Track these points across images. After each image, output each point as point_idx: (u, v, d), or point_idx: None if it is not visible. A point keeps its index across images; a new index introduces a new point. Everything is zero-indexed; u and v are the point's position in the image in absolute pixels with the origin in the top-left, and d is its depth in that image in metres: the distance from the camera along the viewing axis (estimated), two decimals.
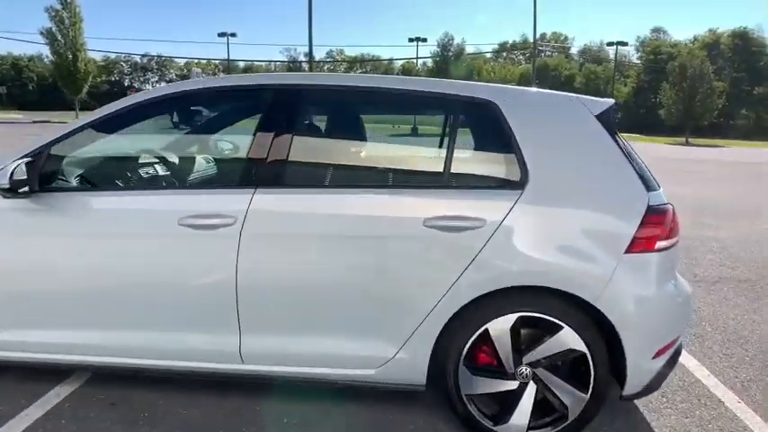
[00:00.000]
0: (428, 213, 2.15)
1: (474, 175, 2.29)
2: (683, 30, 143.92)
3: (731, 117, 59.91)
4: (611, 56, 59.25)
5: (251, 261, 2.22)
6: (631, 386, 2.20)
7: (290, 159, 2.30)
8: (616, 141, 2.25)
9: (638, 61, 67.95)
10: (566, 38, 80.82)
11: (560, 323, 2.14)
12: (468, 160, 2.34)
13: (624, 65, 66.90)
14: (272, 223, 2.23)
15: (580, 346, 2.15)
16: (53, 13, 33.58)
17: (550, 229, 2.14)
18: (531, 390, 2.22)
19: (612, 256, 2.11)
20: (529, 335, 2.23)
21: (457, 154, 2.27)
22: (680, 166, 16.31)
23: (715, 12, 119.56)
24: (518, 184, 2.18)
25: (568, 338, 2.15)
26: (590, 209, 2.16)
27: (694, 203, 8.83)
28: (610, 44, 57.11)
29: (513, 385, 2.22)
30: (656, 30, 72.75)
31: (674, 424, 2.50)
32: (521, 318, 2.16)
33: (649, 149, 20.85)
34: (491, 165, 2.32)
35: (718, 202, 9.49)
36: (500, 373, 2.23)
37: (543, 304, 2.15)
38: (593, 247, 2.12)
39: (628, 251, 2.12)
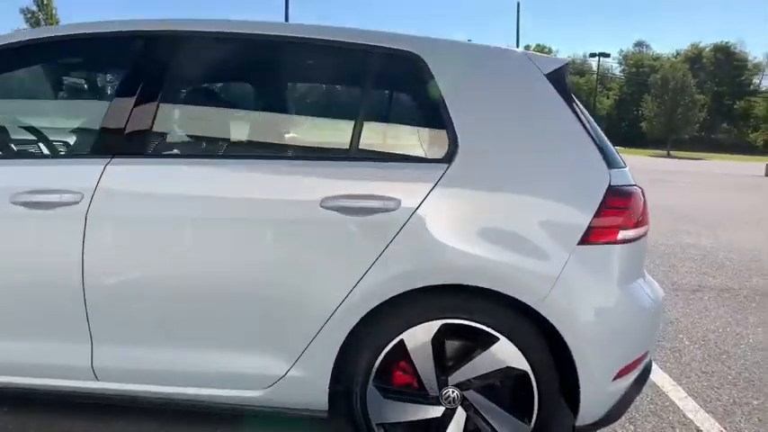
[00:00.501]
0: (327, 192, 1.67)
1: (388, 145, 1.81)
2: (666, 44, 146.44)
3: (712, 131, 60.81)
4: (594, 68, 59.66)
5: (100, 251, 1.72)
6: (587, 415, 1.73)
7: (156, 122, 1.80)
8: (571, 107, 1.80)
9: (621, 74, 68.75)
10: (549, 50, 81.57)
11: (495, 333, 1.67)
12: (383, 127, 1.87)
13: (607, 77, 67.54)
14: (128, 203, 1.73)
15: (521, 363, 1.68)
16: (29, 15, 32.78)
17: (482, 215, 1.67)
18: (459, 418, 1.74)
19: (562, 249, 1.65)
20: (456, 348, 1.75)
21: (368, 119, 1.79)
22: (660, 177, 16.07)
23: (697, 26, 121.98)
24: (443, 158, 1.71)
25: (506, 353, 1.68)
26: (534, 189, 1.70)
27: (674, 211, 8.50)
28: (593, 55, 57.50)
29: (436, 412, 1.74)
30: (639, 43, 73.88)
31: None
32: (445, 326, 1.69)
33: (631, 161, 20.71)
34: (411, 133, 1.86)
35: (699, 210, 9.18)
36: (420, 396, 1.74)
37: (473, 309, 1.68)
38: (537, 237, 1.66)
39: (582, 242, 1.65)
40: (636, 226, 1.74)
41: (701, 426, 2.28)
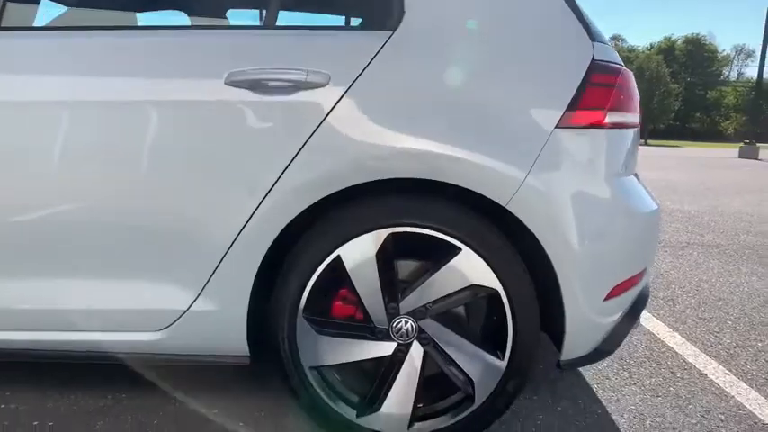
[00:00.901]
0: (234, 64, 1.29)
1: (313, 5, 1.43)
2: (641, 38, 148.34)
3: (686, 121, 61.74)
4: None
5: None
6: (573, 346, 1.39)
7: None
8: None
9: None
10: None
11: (456, 243, 1.31)
12: None
13: None
14: None
15: (489, 279, 1.32)
16: None
17: (436, 90, 1.31)
18: (414, 355, 1.38)
19: (536, 133, 1.29)
20: (408, 266, 1.39)
21: None
22: (640, 161, 15.99)
23: (670, 22, 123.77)
24: (387, 21, 1.35)
25: (470, 268, 1.32)
26: (500, 61, 1.34)
27: (656, 184, 8.30)
28: None
29: (386, 349, 1.38)
30: (615, 37, 74.46)
31: (640, 406, 1.70)
32: (393, 236, 1.32)
33: None
34: None
35: (680, 183, 9.02)
36: (364, 330, 1.38)
37: (427, 213, 1.31)
38: (505, 120, 1.30)
39: (561, 125, 1.30)
40: (625, 109, 1.40)
41: (704, 369, 1.96)
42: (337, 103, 1.28)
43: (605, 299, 1.37)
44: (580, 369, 1.92)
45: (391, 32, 1.32)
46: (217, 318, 1.36)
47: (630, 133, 1.45)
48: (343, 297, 1.42)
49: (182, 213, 1.31)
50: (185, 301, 1.34)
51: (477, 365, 1.37)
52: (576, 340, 1.38)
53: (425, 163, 1.27)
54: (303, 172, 1.28)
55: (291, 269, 1.34)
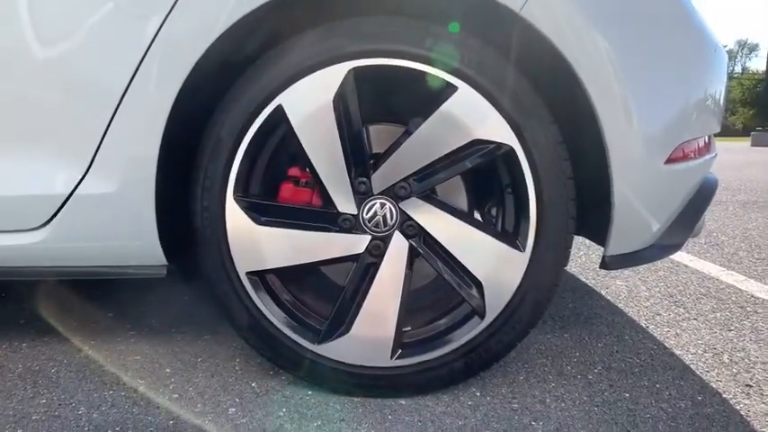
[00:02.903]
0: None
1: None
2: None
3: None
4: None
5: None
6: (624, 233, 0.96)
7: None
8: None
9: None
10: None
11: (448, 77, 0.90)
12: None
13: None
14: None
15: (500, 131, 0.90)
16: None
17: None
18: (396, 253, 0.96)
19: None
20: (382, 119, 0.98)
21: None
22: None
23: None
24: None
25: (471, 114, 0.90)
26: None
27: None
28: None
29: (355, 245, 0.96)
30: None
31: (709, 340, 1.27)
32: (356, 73, 0.91)
33: None
34: None
35: None
36: (323, 217, 0.96)
37: (406, 34, 0.90)
38: None
39: None
40: None
41: None
42: None
43: (667, 161, 0.95)
44: (621, 306, 1.50)
45: None
46: (113, 204, 0.94)
47: None
48: (294, 178, 1.01)
49: (49, 62, 0.90)
50: (68, 183, 0.93)
51: (488, 262, 0.95)
52: (628, 224, 0.96)
53: None
54: None
55: (212, 129, 0.93)
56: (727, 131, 52.67)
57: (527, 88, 0.90)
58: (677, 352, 1.20)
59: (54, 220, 0.96)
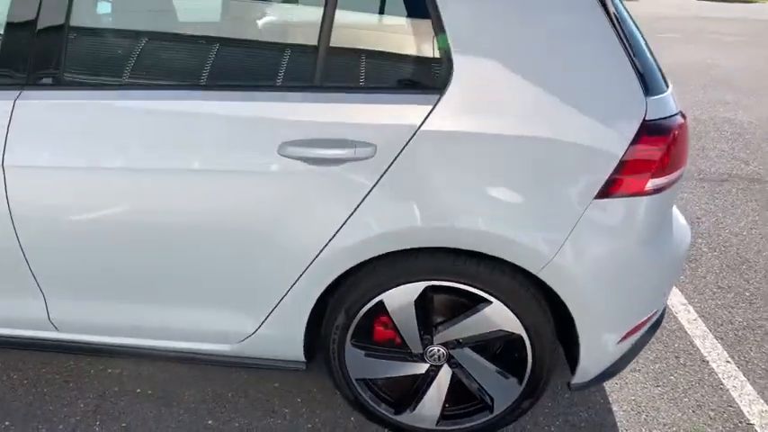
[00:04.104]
0: (287, 134, 1.34)
1: (358, 65, 1.41)
2: None
3: None
4: None
5: (26, 201, 1.47)
6: (585, 373, 1.59)
7: (71, 37, 1.42)
8: (604, 6, 1.34)
9: None
10: None
11: (488, 297, 1.46)
12: (353, 38, 1.44)
13: None
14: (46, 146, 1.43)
15: (515, 327, 1.49)
16: None
17: (480, 162, 1.34)
18: (445, 374, 1.62)
19: (575, 204, 1.34)
20: (444, 308, 1.56)
21: (336, 28, 1.37)
22: (701, 26, 14.04)
23: None
24: (435, 83, 1.34)
25: (499, 317, 1.48)
26: (548, 127, 1.33)
27: (712, 74, 7.67)
28: None
29: (420, 369, 1.62)
30: None
31: (639, 397, 1.95)
32: (431, 287, 1.48)
33: (672, 5, 18.35)
34: (389, 48, 1.44)
35: (742, 72, 8.21)
36: (403, 353, 1.60)
37: (463, 272, 1.44)
38: (546, 190, 1.34)
39: (601, 195, 1.34)
40: (670, 170, 1.41)
41: (708, 355, 2.16)
42: (384, 174, 1.34)
43: (620, 341, 1.54)
44: None
45: (439, 96, 1.32)
46: (279, 339, 1.60)
47: (674, 189, 1.47)
48: (385, 323, 1.62)
49: (239, 260, 1.47)
50: (254, 326, 1.58)
51: (498, 386, 1.61)
52: (588, 369, 1.58)
53: (468, 236, 1.36)
54: (352, 234, 1.39)
55: (341, 308, 1.53)
56: None
57: (537, 305, 1.46)
58: (613, 408, 1.89)
59: (244, 341, 1.62)
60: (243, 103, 1.37)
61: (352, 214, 1.37)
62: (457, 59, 1.31)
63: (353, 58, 1.40)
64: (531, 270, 1.38)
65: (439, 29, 1.31)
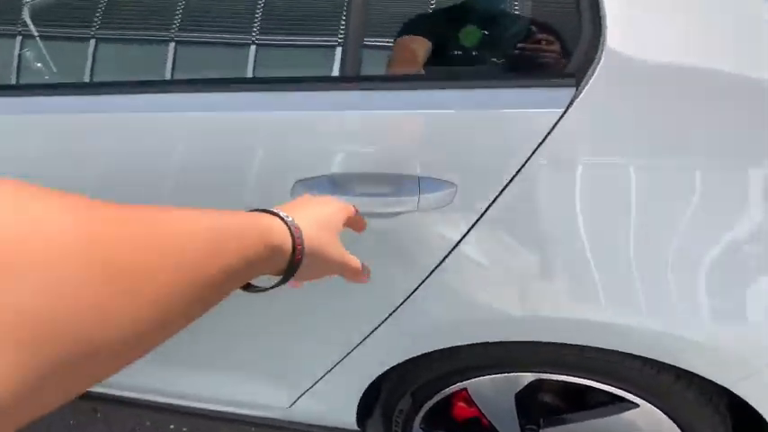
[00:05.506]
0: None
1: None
2: None
3: None
4: None
5: None
6: None
7: None
8: None
9: None
10: None
11: (634, 399, 0.94)
12: None
13: None
14: None
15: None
16: None
17: (627, 213, 0.75)
18: None
19: None
20: (559, 406, 1.06)
21: None
22: None
23: None
24: (566, 71, 0.73)
25: (646, 421, 0.97)
26: (733, 157, 0.70)
27: None
28: None
29: None
30: None
31: None
32: (540, 380, 0.97)
33: None
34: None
35: None
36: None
37: (597, 369, 0.92)
38: (732, 258, 0.75)
39: None
40: None
41: None
42: (476, 224, 0.79)
43: None
44: None
45: (575, 90, 0.72)
46: (326, 408, 1.19)
47: None
48: (465, 398, 1.16)
49: (306, 335, 1.03)
50: (293, 395, 1.17)
51: None
52: None
53: (619, 336, 0.82)
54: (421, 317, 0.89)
55: (402, 389, 1.08)
56: None
57: (708, 408, 0.92)
58: None
59: (292, 406, 1.22)
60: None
61: (417, 289, 0.86)
62: (611, 24, 0.68)
63: None
64: (723, 384, 0.84)
65: None
